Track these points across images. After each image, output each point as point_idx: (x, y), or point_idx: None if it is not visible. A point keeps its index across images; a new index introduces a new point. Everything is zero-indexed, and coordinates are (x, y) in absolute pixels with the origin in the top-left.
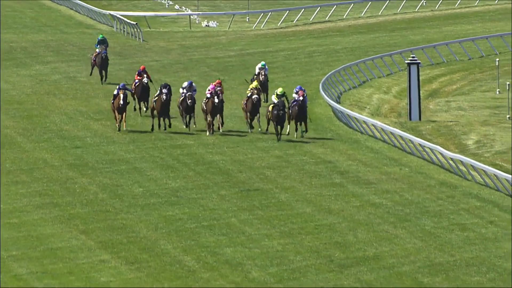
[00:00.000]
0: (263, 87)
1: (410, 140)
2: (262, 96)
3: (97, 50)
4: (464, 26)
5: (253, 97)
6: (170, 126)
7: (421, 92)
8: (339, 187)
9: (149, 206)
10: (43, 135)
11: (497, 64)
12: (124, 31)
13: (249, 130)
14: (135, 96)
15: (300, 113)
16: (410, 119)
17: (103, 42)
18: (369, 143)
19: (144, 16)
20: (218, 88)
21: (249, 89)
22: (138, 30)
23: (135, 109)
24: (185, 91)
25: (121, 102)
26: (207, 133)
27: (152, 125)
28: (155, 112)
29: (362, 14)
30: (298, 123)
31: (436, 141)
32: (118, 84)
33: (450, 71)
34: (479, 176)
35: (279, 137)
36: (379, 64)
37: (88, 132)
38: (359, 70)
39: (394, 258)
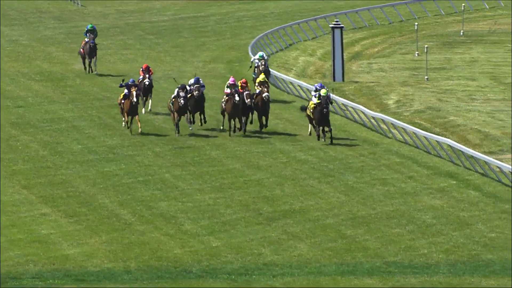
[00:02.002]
0: (265, 82)
1: (334, 99)
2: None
3: (86, 39)
4: None
5: (264, 95)
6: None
7: (344, 54)
8: (267, 144)
9: (87, 163)
10: None
11: (416, 28)
12: None
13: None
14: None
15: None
16: (334, 80)
17: (92, 31)
18: (295, 103)
19: None
20: (247, 92)
21: (256, 84)
22: None
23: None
24: (192, 88)
25: (134, 99)
26: (229, 134)
27: (177, 125)
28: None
29: None
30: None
31: (358, 100)
32: (123, 82)
33: (372, 35)
34: (399, 134)
35: (324, 138)
36: (304, 28)
37: (29, 92)
38: (286, 33)
39: (319, 211)
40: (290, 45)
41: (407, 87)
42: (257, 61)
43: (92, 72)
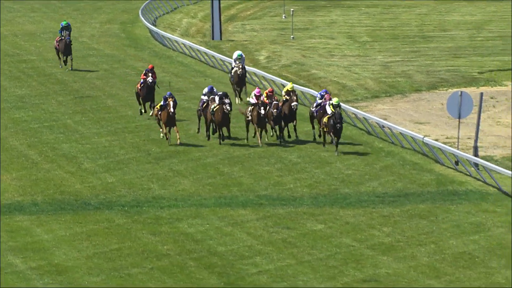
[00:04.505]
0: (241, 82)
1: (213, 56)
2: (236, 94)
3: (61, 37)
4: None
5: (292, 104)
6: (229, 135)
7: (221, 16)
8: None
9: None
10: None
11: None
12: None
13: (278, 140)
14: (140, 97)
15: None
16: (213, 38)
17: (66, 28)
18: (180, 58)
19: None
20: (275, 102)
21: (283, 92)
22: None
23: (141, 113)
24: (206, 97)
25: (172, 110)
26: (259, 145)
27: (208, 134)
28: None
29: None
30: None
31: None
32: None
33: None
34: (269, 85)
35: (337, 151)
36: None
37: None
38: None
39: (200, 152)
40: (175, 8)
41: (276, 45)
42: (234, 64)
43: (69, 69)
